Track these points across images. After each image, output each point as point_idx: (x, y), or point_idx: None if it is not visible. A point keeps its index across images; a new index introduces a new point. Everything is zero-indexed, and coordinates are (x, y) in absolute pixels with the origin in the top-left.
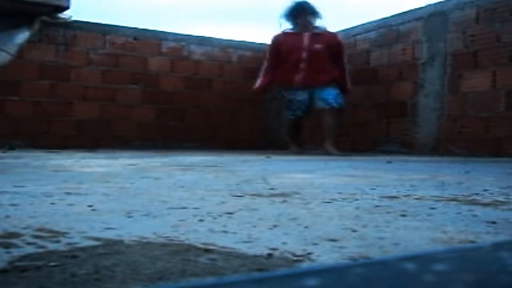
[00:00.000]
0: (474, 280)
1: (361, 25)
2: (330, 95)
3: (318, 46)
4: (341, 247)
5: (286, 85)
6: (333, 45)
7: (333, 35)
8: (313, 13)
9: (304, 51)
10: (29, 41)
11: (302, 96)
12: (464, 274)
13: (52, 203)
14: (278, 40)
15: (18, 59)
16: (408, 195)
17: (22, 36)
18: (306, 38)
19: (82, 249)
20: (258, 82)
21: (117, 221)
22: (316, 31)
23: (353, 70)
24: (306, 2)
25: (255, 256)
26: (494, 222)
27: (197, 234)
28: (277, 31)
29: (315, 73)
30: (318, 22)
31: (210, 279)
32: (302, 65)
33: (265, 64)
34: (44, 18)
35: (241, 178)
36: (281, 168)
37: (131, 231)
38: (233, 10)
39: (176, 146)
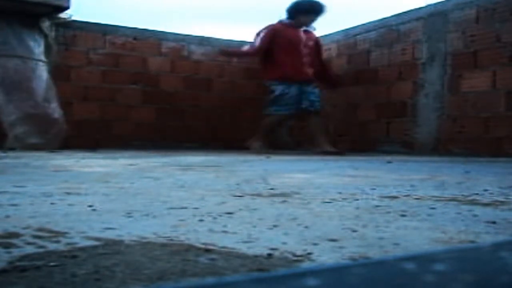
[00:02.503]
0: (474, 280)
1: (361, 25)
2: (317, 98)
3: (311, 43)
4: (341, 247)
5: (283, 78)
6: (317, 44)
7: (314, 34)
8: (320, 16)
9: (304, 46)
10: (47, 46)
11: (295, 91)
12: (464, 274)
13: (52, 203)
14: (276, 30)
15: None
16: (408, 195)
17: (36, 41)
18: (302, 33)
19: (82, 249)
20: (251, 49)
21: (117, 221)
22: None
23: (353, 70)
24: (324, 5)
25: (255, 256)
26: (494, 222)
27: (197, 234)
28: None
29: (308, 69)
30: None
31: (210, 279)
32: (304, 60)
33: (259, 54)
34: (56, 20)
35: (241, 178)
36: (281, 168)
37: (131, 231)
38: (233, 10)
39: (176, 146)
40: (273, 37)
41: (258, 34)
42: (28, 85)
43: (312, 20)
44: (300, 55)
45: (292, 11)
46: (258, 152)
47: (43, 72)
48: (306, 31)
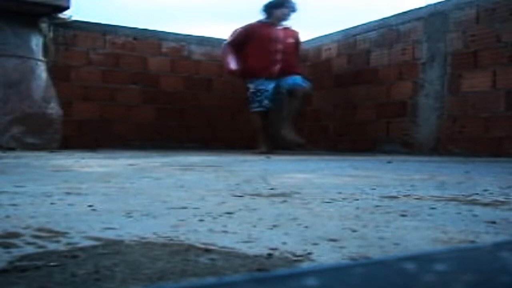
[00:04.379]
0: (474, 280)
1: (361, 25)
2: (297, 79)
3: (290, 40)
4: (341, 247)
5: (258, 74)
6: (297, 42)
7: (296, 32)
8: (293, 9)
9: (280, 43)
10: (44, 47)
11: (269, 86)
12: (464, 274)
13: (52, 203)
14: (253, 28)
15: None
16: (408, 195)
17: (36, 40)
18: (279, 31)
19: (82, 249)
20: (233, 64)
21: (117, 221)
22: (284, 25)
23: (353, 70)
24: None
25: (255, 256)
26: (494, 222)
27: (197, 234)
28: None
29: (286, 66)
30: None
31: (210, 279)
32: (279, 57)
33: (229, 46)
34: (56, 21)
35: (241, 178)
36: (281, 168)
37: (131, 231)
38: (233, 10)
39: (176, 146)
40: (248, 34)
41: (234, 31)
42: (27, 85)
43: (285, 14)
44: (271, 52)
45: (266, 9)
46: (264, 153)
47: (42, 71)
48: (285, 29)
